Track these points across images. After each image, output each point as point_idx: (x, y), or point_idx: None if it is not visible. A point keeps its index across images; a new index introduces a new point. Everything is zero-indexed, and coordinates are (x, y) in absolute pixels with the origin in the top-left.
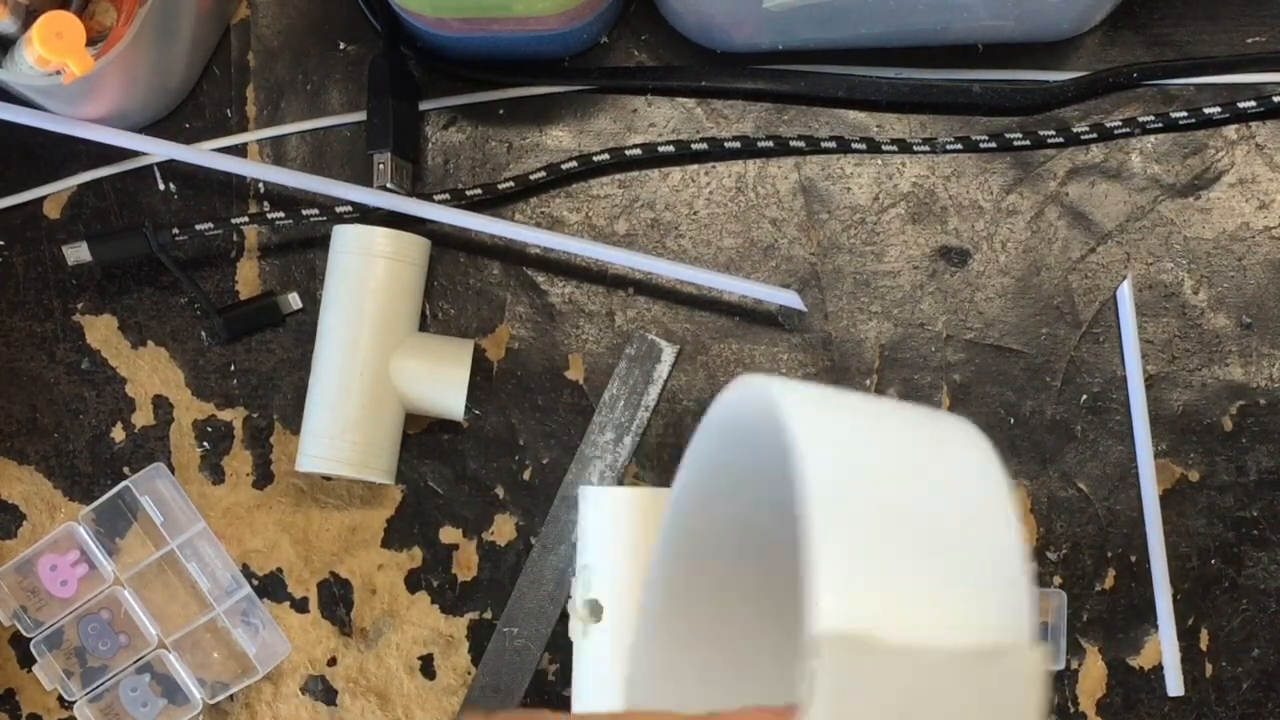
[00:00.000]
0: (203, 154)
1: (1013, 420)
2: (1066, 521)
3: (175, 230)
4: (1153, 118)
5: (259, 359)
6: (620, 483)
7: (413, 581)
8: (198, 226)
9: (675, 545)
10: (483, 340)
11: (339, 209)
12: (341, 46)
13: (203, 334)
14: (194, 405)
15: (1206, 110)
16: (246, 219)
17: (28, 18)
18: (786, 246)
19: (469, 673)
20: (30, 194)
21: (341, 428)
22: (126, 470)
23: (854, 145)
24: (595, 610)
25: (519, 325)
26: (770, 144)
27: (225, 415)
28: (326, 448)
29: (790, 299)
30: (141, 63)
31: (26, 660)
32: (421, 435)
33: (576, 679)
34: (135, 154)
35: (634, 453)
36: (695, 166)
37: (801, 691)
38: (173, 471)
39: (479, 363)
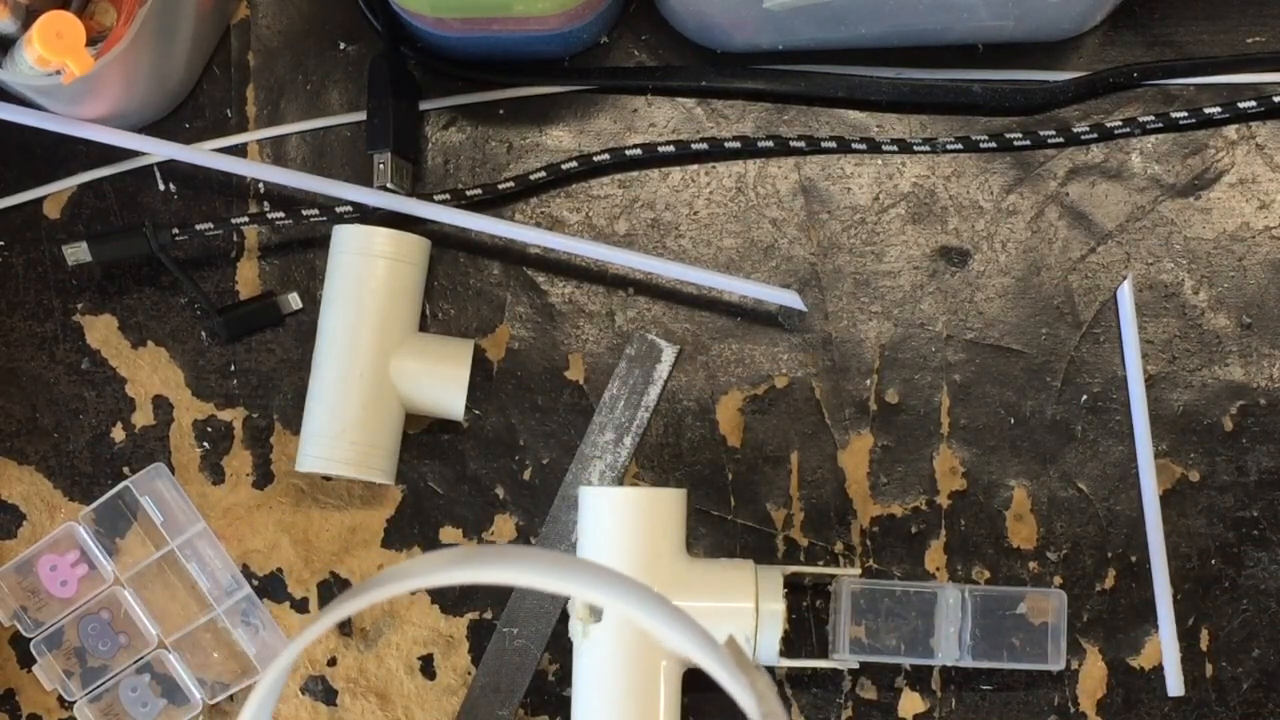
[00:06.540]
0: (203, 154)
1: (1013, 420)
2: (1066, 521)
3: (175, 230)
4: (1153, 118)
5: (259, 359)
6: (620, 483)
7: None
8: (198, 226)
9: None
10: (483, 340)
11: (339, 209)
12: (341, 46)
13: (203, 334)
14: (194, 405)
15: (1207, 110)
16: (246, 219)
17: (28, 18)
18: (786, 246)
19: (469, 673)
20: (30, 194)
21: (341, 428)
22: (126, 470)
23: (854, 145)
24: (595, 610)
25: (519, 325)
26: (770, 144)
27: (225, 415)
28: (326, 448)
29: (790, 299)
30: (141, 63)
31: (26, 660)
32: (421, 435)
33: (576, 679)
34: (135, 154)
35: (634, 453)
36: (695, 166)
37: None
38: (173, 471)
39: (479, 363)
